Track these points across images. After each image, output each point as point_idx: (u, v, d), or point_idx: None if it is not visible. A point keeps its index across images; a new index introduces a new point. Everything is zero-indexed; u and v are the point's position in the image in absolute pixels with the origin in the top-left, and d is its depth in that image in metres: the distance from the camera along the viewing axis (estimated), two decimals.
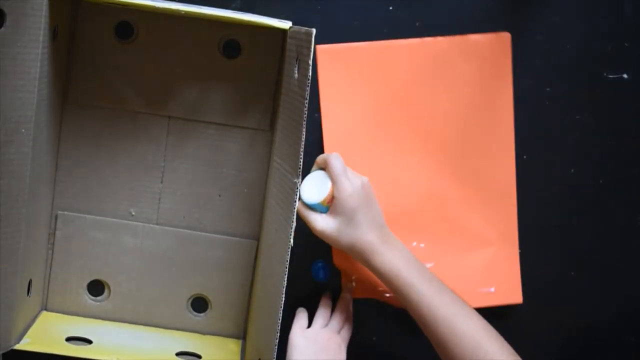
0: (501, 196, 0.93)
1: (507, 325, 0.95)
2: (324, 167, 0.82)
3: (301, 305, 0.92)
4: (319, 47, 0.89)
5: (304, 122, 0.70)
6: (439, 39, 0.90)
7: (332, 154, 0.81)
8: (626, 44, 0.92)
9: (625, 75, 0.93)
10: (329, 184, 0.80)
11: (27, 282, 0.85)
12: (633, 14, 0.91)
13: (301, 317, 0.88)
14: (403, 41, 0.90)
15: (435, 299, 0.80)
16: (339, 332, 0.88)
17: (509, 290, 0.94)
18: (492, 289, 0.94)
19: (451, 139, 0.92)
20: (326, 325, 0.89)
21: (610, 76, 0.92)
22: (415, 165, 0.92)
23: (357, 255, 0.82)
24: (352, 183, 0.80)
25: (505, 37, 0.91)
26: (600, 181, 0.95)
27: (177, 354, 0.88)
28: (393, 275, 0.81)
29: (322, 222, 0.80)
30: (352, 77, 0.90)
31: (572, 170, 0.94)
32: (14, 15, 0.73)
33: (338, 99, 0.90)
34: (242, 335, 0.93)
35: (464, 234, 0.94)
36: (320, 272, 0.92)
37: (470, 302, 0.93)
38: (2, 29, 0.72)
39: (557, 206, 0.94)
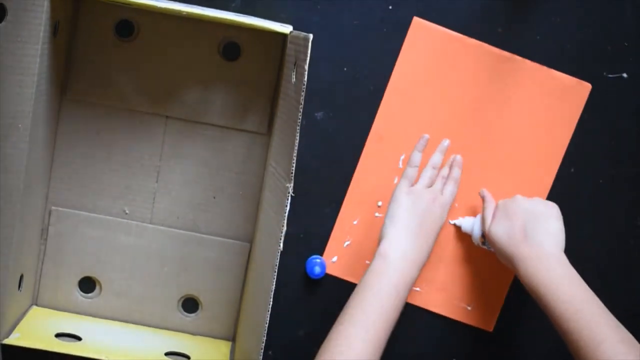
0: None
1: (510, 318, 0.96)
2: None
3: (296, 305, 0.92)
4: (415, 18, 0.90)
5: (298, 127, 0.71)
6: (527, 62, 0.91)
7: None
8: (626, 44, 0.92)
9: (625, 75, 0.93)
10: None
11: (19, 276, 0.85)
12: (633, 14, 0.91)
13: (409, 173, 0.89)
14: (494, 49, 0.91)
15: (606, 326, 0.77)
16: (442, 192, 0.89)
17: (484, 315, 0.95)
18: (469, 307, 0.95)
19: (498, 155, 0.93)
20: (431, 185, 0.89)
21: (610, 76, 0.92)
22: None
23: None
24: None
25: (586, 87, 0.92)
26: (600, 181, 0.95)
27: (166, 354, 0.87)
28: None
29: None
30: (432, 60, 0.91)
31: (572, 170, 0.94)
32: (15, 10, 0.73)
33: (411, 74, 0.91)
34: (232, 337, 0.93)
35: (469, 250, 0.94)
36: (316, 268, 0.92)
37: (444, 311, 0.94)
38: (3, 23, 0.73)
39: (557, 205, 0.95)
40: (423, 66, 0.91)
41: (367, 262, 0.93)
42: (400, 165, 0.92)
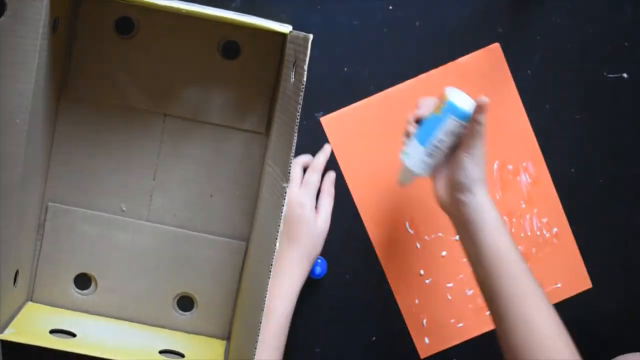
0: (543, 193, 0.94)
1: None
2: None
3: (296, 305, 0.92)
4: (322, 119, 0.91)
5: (296, 128, 0.70)
6: (432, 72, 0.91)
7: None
8: (626, 44, 0.92)
9: (625, 75, 0.93)
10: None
11: (14, 272, 0.85)
12: (633, 14, 0.92)
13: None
14: (398, 87, 0.91)
15: (525, 277, 0.76)
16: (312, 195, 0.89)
17: (575, 279, 0.96)
18: (559, 285, 0.95)
19: None
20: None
21: (610, 76, 0.93)
22: None
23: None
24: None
25: (495, 48, 0.92)
26: (600, 181, 0.95)
27: (161, 352, 0.87)
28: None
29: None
30: (361, 133, 0.92)
31: (572, 170, 0.95)
32: (14, 5, 0.73)
33: (354, 156, 0.92)
34: (226, 335, 0.93)
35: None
36: (317, 268, 0.92)
37: (484, 328, 0.96)
38: (2, 18, 0.72)
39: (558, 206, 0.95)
40: (356, 144, 0.91)
41: (452, 320, 0.94)
42: (411, 231, 0.93)
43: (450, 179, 0.78)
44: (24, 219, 0.84)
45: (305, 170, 0.91)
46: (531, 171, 0.94)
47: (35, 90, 0.78)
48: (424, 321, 0.94)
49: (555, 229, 0.95)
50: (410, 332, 0.94)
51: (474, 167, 0.76)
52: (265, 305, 0.73)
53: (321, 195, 0.91)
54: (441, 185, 0.80)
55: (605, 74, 0.93)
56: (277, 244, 0.72)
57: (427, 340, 0.94)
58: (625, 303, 0.97)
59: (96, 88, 0.89)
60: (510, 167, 0.94)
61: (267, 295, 0.72)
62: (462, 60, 0.91)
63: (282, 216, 0.72)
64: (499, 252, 0.75)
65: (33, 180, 0.85)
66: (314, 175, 0.90)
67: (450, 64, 0.91)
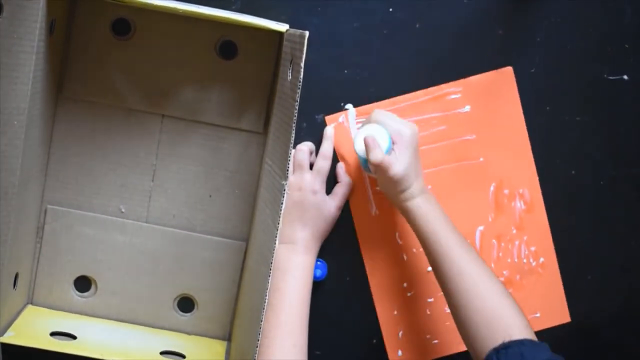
0: (535, 222, 0.94)
1: None
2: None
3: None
4: (326, 117, 0.91)
5: (294, 125, 0.70)
6: (442, 86, 0.91)
7: (375, 110, 0.86)
8: (626, 46, 0.92)
9: (625, 77, 0.93)
10: (386, 133, 0.83)
11: (14, 275, 0.84)
12: (633, 15, 0.92)
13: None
14: (406, 96, 0.91)
15: (461, 255, 0.81)
16: (322, 181, 0.90)
17: (554, 311, 0.96)
18: (537, 314, 0.95)
19: (475, 169, 0.94)
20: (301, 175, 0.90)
21: (611, 77, 0.93)
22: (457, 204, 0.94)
23: (400, 194, 0.84)
24: (409, 126, 0.84)
25: (508, 71, 0.92)
26: (601, 181, 0.95)
27: (162, 353, 0.87)
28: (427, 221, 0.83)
29: (398, 164, 0.82)
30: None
31: (573, 172, 0.94)
32: (11, 7, 0.73)
33: (353, 159, 0.92)
34: (227, 336, 0.93)
35: (504, 266, 0.95)
36: (317, 271, 0.92)
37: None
38: None
39: (558, 206, 0.95)
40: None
41: (428, 336, 0.94)
42: (400, 241, 0.93)
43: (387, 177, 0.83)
44: (23, 221, 0.84)
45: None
46: (527, 198, 0.94)
47: (32, 92, 0.78)
48: (400, 333, 0.94)
49: (542, 259, 0.95)
50: (385, 342, 0.94)
51: (399, 167, 0.82)
52: (276, 288, 0.77)
53: (339, 184, 0.91)
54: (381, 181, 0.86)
55: (605, 75, 0.93)
56: (277, 242, 0.72)
57: (400, 352, 0.94)
58: (627, 304, 0.97)
59: (93, 89, 0.89)
60: (506, 191, 0.94)
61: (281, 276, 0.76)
62: (472, 79, 0.91)
63: (282, 214, 0.72)
64: (437, 239, 0.82)
65: (32, 182, 0.85)
66: (325, 162, 0.90)
67: (460, 81, 0.91)
